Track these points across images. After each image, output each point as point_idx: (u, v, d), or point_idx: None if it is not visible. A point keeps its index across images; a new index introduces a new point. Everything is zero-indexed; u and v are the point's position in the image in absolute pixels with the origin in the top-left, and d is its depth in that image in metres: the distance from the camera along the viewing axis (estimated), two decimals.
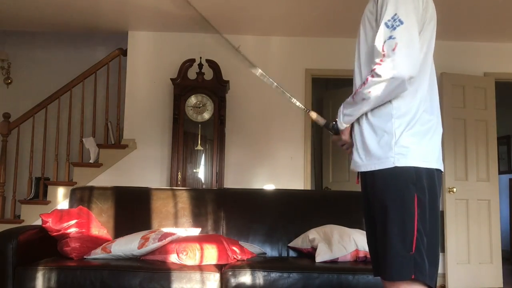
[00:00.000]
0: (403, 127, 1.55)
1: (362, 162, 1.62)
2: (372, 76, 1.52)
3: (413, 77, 1.52)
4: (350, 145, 1.75)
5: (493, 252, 4.77)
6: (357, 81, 1.69)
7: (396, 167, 1.53)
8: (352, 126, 1.71)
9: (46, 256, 2.73)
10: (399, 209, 1.52)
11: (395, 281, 1.54)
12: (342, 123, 1.70)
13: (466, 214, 4.76)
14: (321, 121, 1.89)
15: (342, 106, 1.70)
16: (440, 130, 1.65)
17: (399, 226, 1.52)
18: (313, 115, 1.92)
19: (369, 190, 1.63)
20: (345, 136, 1.74)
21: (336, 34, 4.86)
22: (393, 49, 1.48)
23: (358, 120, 1.66)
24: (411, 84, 1.56)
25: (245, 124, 4.91)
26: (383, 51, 1.50)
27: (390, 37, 1.50)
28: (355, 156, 1.67)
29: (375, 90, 1.53)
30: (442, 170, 1.64)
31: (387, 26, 1.51)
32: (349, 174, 5.27)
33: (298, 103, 2.01)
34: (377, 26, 1.56)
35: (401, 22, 1.50)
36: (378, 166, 1.57)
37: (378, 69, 1.50)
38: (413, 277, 1.50)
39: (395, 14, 1.51)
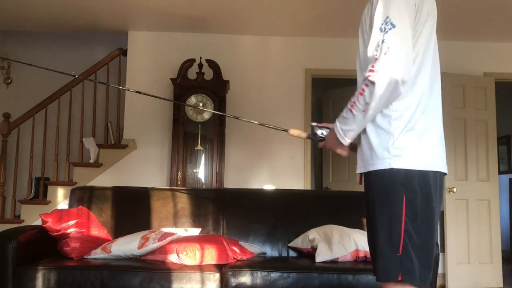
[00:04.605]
0: (401, 129, 1.53)
1: (365, 163, 1.61)
2: (367, 85, 1.48)
3: (405, 80, 1.47)
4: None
5: (493, 252, 4.76)
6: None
7: (389, 169, 1.51)
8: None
9: (46, 256, 2.74)
10: (387, 210, 1.52)
11: (385, 282, 1.54)
12: (345, 138, 1.62)
13: (466, 214, 4.76)
14: (303, 134, 1.86)
15: (338, 122, 1.63)
16: (439, 129, 1.62)
17: (386, 227, 1.51)
18: (294, 132, 1.89)
19: (365, 190, 1.63)
20: (345, 152, 1.70)
21: (336, 34, 4.86)
22: (385, 53, 1.45)
23: None
24: (409, 86, 1.53)
25: (245, 124, 4.88)
26: (375, 56, 1.48)
27: (382, 41, 1.47)
28: (360, 156, 1.64)
29: (372, 99, 1.48)
30: (443, 171, 1.60)
31: (380, 30, 1.49)
32: (349, 174, 5.26)
33: (276, 127, 1.97)
34: (371, 29, 1.53)
35: (393, 26, 1.47)
36: (374, 167, 1.55)
37: (371, 76, 1.46)
38: (399, 278, 1.49)
39: (387, 17, 1.48)
